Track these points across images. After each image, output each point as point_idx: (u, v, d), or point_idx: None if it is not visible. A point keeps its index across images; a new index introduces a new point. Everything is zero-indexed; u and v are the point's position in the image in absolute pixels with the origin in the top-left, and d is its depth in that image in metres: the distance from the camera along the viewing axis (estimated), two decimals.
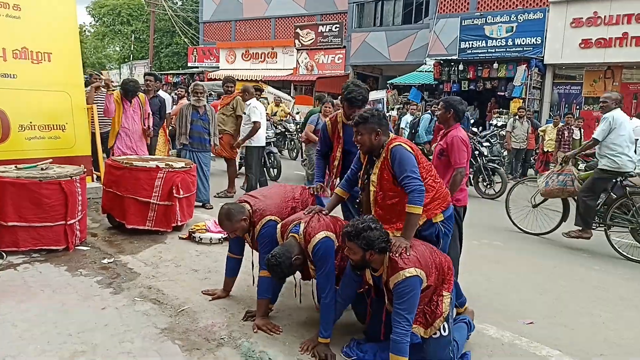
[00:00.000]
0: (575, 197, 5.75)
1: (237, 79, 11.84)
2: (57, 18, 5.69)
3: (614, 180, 5.49)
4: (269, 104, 14.30)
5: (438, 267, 2.70)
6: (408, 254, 2.59)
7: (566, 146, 10.76)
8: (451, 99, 3.92)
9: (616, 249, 5.40)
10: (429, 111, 9.86)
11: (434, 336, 2.66)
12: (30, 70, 5.42)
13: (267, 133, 7.77)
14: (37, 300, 3.32)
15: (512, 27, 15.05)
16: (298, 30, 22.49)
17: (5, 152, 5.09)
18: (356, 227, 2.58)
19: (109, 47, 39.13)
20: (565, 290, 4.27)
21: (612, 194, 5.54)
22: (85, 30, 38.61)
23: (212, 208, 6.28)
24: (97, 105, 6.29)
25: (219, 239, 4.89)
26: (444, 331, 2.66)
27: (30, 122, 5.39)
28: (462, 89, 15.65)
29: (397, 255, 2.58)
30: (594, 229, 5.59)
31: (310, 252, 2.92)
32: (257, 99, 8.34)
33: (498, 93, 15.15)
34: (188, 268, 4.15)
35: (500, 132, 11.59)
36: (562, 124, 11.00)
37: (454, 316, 2.96)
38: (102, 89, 7.41)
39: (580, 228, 5.60)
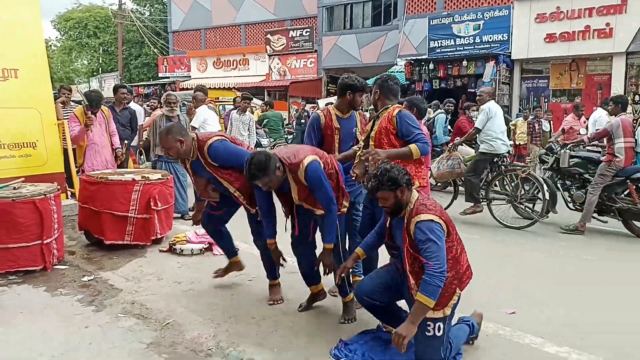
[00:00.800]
0: (463, 178, 6.76)
1: (210, 88, 11.78)
2: (23, 33, 5.58)
3: (492, 161, 6.61)
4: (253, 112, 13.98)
5: (458, 258, 2.69)
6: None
7: (537, 138, 11.03)
8: (414, 99, 4.56)
9: (496, 218, 6.50)
10: (442, 110, 9.92)
11: (427, 334, 2.57)
12: None
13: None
14: (16, 323, 3.23)
15: (479, 24, 15.34)
16: (269, 36, 22.48)
17: None
18: (376, 177, 2.65)
19: (76, 61, 38.44)
20: (518, 275, 4.42)
21: (490, 172, 6.73)
22: (51, 45, 37.83)
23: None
24: (68, 121, 6.18)
25: (200, 249, 4.85)
26: (438, 331, 2.58)
27: None
28: (434, 87, 15.89)
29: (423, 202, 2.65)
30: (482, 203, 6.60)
31: (304, 178, 3.06)
32: (244, 108, 8.40)
33: (468, 90, 15.42)
34: (170, 281, 4.11)
35: None
36: (532, 117, 11.27)
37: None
38: (72, 103, 7.31)
39: (472, 204, 6.57)
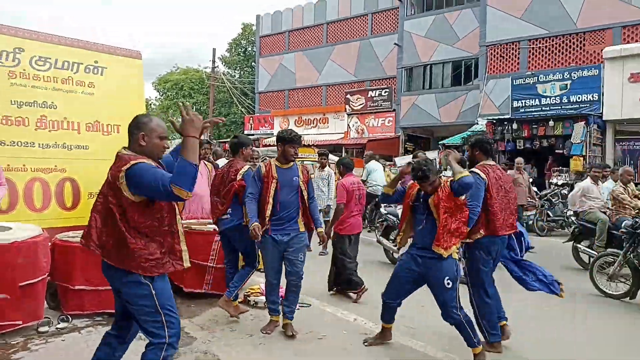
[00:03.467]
0: None
1: None
2: (126, 93, 6.15)
3: None
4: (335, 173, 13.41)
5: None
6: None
7: None
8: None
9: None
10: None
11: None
12: (101, 142, 5.81)
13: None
14: None
15: (566, 84, 14.83)
16: (348, 96, 23.18)
17: (75, 219, 5.39)
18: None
19: (172, 119, 41.65)
20: None
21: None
22: (151, 104, 41.55)
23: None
24: None
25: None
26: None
27: (99, 190, 5.72)
28: (517, 147, 15.34)
29: None
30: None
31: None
32: (323, 164, 8.59)
33: (556, 151, 14.72)
34: (243, 333, 4.12)
35: (562, 191, 11.15)
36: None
37: None
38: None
39: None
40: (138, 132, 2.66)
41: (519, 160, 9.66)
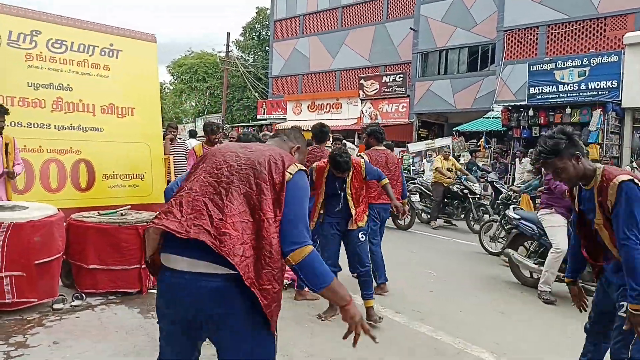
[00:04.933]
0: None
1: (303, 129, 12.20)
2: (141, 77, 6.20)
3: None
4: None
5: None
6: None
7: None
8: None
9: None
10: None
11: None
12: (115, 124, 5.89)
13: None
14: (111, 340, 3.46)
15: (585, 71, 14.54)
16: (362, 81, 23.02)
17: (89, 200, 5.49)
18: (544, 146, 2.47)
19: (186, 103, 41.92)
20: None
21: None
22: (165, 88, 41.76)
23: None
24: (173, 156, 6.68)
25: (285, 285, 4.90)
26: None
27: (113, 172, 5.81)
28: (533, 134, 15.14)
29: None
30: None
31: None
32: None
33: None
34: None
35: None
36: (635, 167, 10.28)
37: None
38: (178, 140, 7.92)
39: None
40: None
41: None
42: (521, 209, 6.45)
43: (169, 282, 1.73)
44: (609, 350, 2.53)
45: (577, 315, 3.17)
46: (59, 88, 5.41)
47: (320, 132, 5.17)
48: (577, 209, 2.63)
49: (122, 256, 4.34)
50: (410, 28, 21.58)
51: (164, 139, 6.95)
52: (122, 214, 4.68)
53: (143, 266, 4.42)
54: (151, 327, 3.74)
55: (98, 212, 4.71)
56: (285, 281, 4.93)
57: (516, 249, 5.76)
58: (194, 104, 41.23)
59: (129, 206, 5.04)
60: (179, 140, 8.01)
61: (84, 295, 4.24)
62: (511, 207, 6.46)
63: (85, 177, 5.54)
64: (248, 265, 1.63)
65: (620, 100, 13.78)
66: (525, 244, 5.79)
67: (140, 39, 6.23)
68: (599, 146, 13.31)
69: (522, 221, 5.67)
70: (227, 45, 32.14)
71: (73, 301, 4.15)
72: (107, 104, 5.83)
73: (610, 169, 2.44)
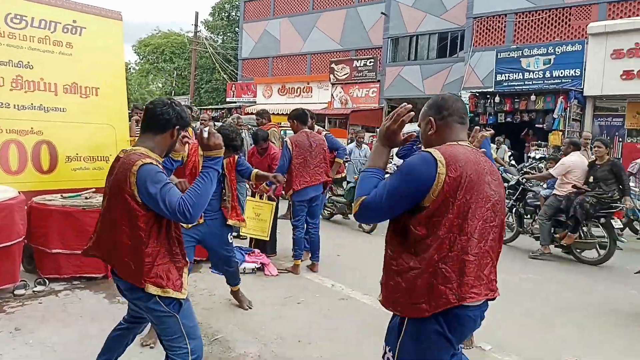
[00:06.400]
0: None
1: (273, 113, 12.12)
2: (105, 56, 6.00)
3: None
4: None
5: None
6: None
7: None
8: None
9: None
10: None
11: None
12: (79, 104, 5.69)
13: None
14: (76, 326, 3.40)
15: (550, 59, 14.89)
16: (333, 65, 22.93)
17: (52, 182, 5.32)
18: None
19: (152, 84, 40.86)
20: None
21: None
22: (130, 68, 40.53)
23: (246, 238, 6.33)
24: None
25: (253, 269, 4.91)
26: None
27: (77, 154, 5.63)
28: (499, 121, 15.49)
29: None
30: None
31: None
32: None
33: (536, 125, 14.91)
34: (222, 297, 4.17)
35: (539, 165, 11.35)
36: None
37: None
38: None
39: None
40: None
41: (587, 135, 9.27)
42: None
43: None
44: None
45: None
46: (18, 65, 5.18)
47: (304, 114, 5.30)
48: None
49: (86, 240, 4.24)
50: (382, 13, 21.55)
51: (129, 121, 6.78)
52: (86, 197, 4.57)
53: None
54: (117, 311, 3.69)
55: (61, 195, 4.59)
56: (254, 265, 4.93)
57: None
58: (160, 85, 40.23)
59: (94, 189, 4.92)
60: None
61: (46, 281, 4.14)
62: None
63: (47, 159, 5.35)
64: None
65: (582, 89, 14.20)
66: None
67: (106, 16, 6.01)
68: (561, 132, 13.73)
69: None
70: (196, 26, 31.33)
71: (35, 287, 4.06)
72: (70, 84, 5.62)
73: None
